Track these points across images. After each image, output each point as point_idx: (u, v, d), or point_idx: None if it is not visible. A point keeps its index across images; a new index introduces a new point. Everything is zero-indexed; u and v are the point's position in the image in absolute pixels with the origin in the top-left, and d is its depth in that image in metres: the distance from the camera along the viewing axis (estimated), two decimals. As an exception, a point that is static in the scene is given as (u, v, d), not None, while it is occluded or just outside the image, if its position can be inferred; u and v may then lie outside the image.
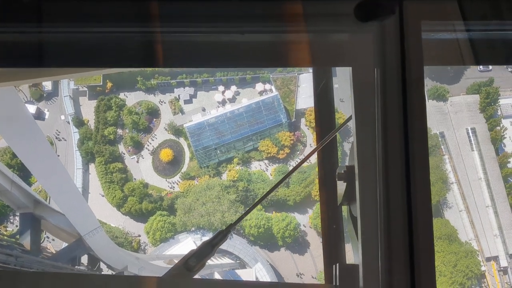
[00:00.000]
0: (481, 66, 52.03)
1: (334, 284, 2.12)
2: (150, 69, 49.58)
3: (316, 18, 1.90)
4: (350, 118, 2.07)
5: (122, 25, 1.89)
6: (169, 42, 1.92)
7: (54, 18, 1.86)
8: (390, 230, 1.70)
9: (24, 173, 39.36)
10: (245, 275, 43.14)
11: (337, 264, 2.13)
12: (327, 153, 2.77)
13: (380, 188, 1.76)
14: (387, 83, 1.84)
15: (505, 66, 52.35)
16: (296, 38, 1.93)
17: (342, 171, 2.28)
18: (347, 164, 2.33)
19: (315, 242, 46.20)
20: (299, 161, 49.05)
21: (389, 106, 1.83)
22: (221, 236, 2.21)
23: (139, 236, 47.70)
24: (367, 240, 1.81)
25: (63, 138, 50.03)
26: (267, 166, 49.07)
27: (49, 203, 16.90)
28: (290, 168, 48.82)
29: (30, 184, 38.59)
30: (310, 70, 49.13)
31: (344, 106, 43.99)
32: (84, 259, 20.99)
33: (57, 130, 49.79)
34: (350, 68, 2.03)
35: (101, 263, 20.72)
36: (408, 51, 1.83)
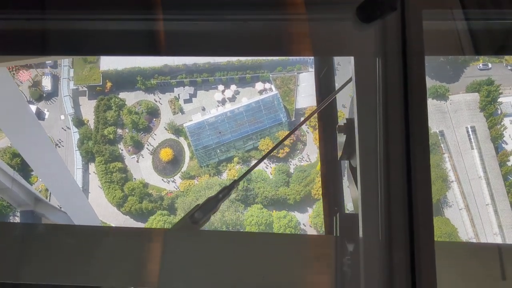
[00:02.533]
0: (480, 65, 52.01)
1: (334, 235, 2.15)
2: (150, 68, 49.53)
3: (318, 7, 1.91)
4: (350, 80, 2.09)
5: (125, 13, 1.90)
6: (172, 30, 1.93)
7: (58, 5, 1.88)
8: (389, 178, 1.72)
9: (25, 173, 39.35)
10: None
11: (338, 214, 2.17)
12: (327, 114, 2.81)
13: (380, 138, 1.78)
14: (388, 72, 1.86)
15: (504, 64, 52.33)
16: (299, 27, 1.94)
17: (342, 124, 2.34)
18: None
19: (315, 241, 46.13)
20: (299, 160, 49.07)
21: (390, 95, 1.85)
22: (225, 191, 2.29)
23: (140, 235, 47.65)
24: (366, 189, 1.84)
25: (64, 129, 49.98)
26: (267, 165, 49.07)
27: (49, 201, 16.90)
28: (291, 166, 48.84)
29: (30, 184, 38.54)
30: (310, 69, 49.07)
31: (347, 112, 43.92)
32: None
33: (59, 139, 49.69)
34: (352, 57, 2.04)
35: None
36: (410, 40, 1.84)
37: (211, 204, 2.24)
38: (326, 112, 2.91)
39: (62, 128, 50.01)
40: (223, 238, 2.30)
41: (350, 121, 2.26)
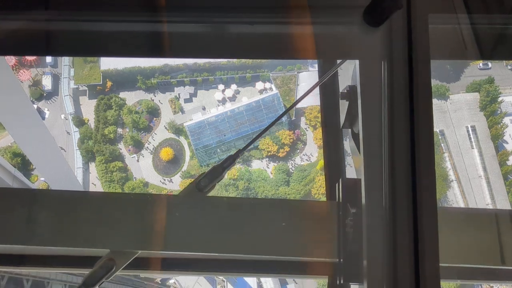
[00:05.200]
0: (480, 64, 52.00)
1: (337, 201, 2.18)
2: (150, 68, 49.51)
3: (324, 11, 1.92)
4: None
5: (129, 15, 1.92)
6: (177, 32, 1.94)
7: (63, 7, 1.89)
8: (394, 143, 1.73)
9: (25, 173, 39.36)
10: (246, 273, 43.06)
11: (340, 180, 2.19)
12: (328, 87, 2.86)
13: (384, 104, 1.80)
14: (394, 76, 1.86)
15: (504, 64, 52.30)
16: (304, 31, 1.95)
17: (345, 91, 2.35)
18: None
19: (316, 241, 46.14)
20: (299, 159, 49.06)
21: (395, 99, 1.86)
22: (230, 160, 2.33)
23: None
24: (369, 153, 1.86)
25: (68, 132, 50.01)
26: (268, 165, 49.08)
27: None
28: (291, 166, 48.84)
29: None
30: (310, 68, 49.06)
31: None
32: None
33: (60, 147, 49.59)
34: (357, 61, 2.05)
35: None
36: (416, 44, 1.85)
37: (216, 172, 2.27)
38: (328, 82, 2.91)
39: (65, 122, 49.96)
40: (229, 203, 2.34)
41: (352, 88, 2.27)
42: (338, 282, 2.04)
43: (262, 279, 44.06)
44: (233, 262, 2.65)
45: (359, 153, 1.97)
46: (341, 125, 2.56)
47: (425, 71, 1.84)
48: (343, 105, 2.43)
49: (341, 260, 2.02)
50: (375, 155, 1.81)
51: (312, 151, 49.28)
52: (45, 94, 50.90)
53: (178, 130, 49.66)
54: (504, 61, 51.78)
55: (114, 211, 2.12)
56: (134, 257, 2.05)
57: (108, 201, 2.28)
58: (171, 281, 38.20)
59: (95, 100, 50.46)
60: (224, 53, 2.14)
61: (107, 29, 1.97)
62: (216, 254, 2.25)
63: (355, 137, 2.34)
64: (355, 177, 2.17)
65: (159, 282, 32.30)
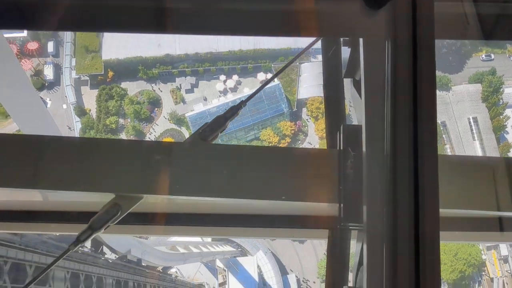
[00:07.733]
0: (483, 55, 51.67)
1: (338, 148, 2.19)
2: (152, 58, 49.31)
3: None
4: None
5: None
6: (181, 7, 1.95)
7: None
8: (396, 91, 1.73)
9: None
10: (247, 262, 43.41)
11: (342, 126, 2.19)
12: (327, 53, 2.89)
13: (388, 52, 1.79)
14: (398, 54, 1.87)
15: (507, 55, 51.97)
16: (309, 7, 1.96)
17: (347, 39, 2.36)
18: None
19: (316, 231, 46.26)
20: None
21: (398, 77, 1.86)
22: (233, 110, 2.40)
23: (142, 224, 47.81)
24: (370, 99, 1.86)
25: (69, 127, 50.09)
26: (269, 156, 49.08)
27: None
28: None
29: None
30: (312, 59, 48.74)
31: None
32: (87, 242, 21.04)
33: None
34: (361, 39, 2.06)
35: (104, 246, 20.96)
36: (420, 22, 1.85)
37: (219, 122, 2.28)
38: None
39: (67, 111, 49.99)
40: (231, 149, 2.34)
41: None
42: (338, 225, 2.05)
43: (263, 269, 44.36)
44: (233, 216, 2.68)
45: (360, 99, 1.97)
46: (342, 74, 2.54)
47: (429, 49, 1.84)
48: (345, 53, 2.41)
49: (341, 204, 2.02)
50: (376, 101, 1.81)
51: (313, 142, 49.26)
52: (46, 84, 50.86)
53: (179, 120, 49.66)
54: (506, 52, 51.40)
55: (120, 157, 2.13)
56: (138, 202, 2.07)
57: (114, 147, 2.30)
58: (173, 270, 38.46)
59: (97, 90, 50.42)
60: (225, 29, 2.14)
61: (111, 3, 1.97)
62: (219, 198, 2.26)
63: (356, 85, 2.33)
64: None
65: (161, 271, 32.50)
